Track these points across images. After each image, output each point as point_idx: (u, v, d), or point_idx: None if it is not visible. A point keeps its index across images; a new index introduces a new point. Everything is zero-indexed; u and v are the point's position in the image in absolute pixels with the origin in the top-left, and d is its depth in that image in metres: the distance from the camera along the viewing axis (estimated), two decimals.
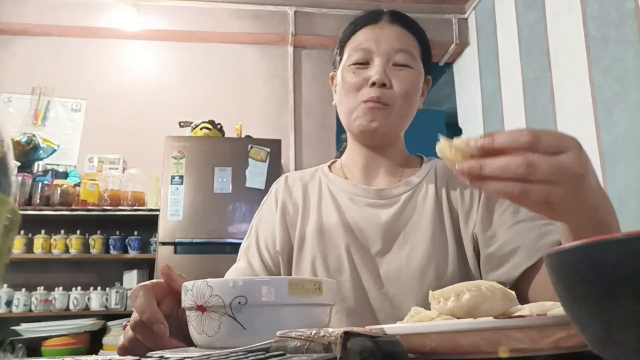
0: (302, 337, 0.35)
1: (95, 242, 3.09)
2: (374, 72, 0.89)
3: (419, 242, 0.87)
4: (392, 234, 0.90)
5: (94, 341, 2.92)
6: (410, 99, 0.92)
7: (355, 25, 0.97)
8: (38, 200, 3.06)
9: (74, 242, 3.05)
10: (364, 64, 0.92)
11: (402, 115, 0.92)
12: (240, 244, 1.02)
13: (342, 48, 0.98)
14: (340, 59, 0.98)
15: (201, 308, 0.48)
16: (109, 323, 2.92)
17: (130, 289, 3.16)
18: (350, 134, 0.98)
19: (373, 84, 0.88)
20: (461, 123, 3.89)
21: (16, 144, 3.14)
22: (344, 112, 0.94)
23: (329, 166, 1.06)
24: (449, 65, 4.04)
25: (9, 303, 2.92)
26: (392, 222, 0.90)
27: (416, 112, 0.97)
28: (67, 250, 3.05)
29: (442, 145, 0.51)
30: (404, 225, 0.90)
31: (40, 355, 2.81)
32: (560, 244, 0.79)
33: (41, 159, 3.32)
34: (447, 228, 0.89)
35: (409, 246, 0.88)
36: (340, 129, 1.06)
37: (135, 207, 3.16)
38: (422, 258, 0.85)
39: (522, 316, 0.39)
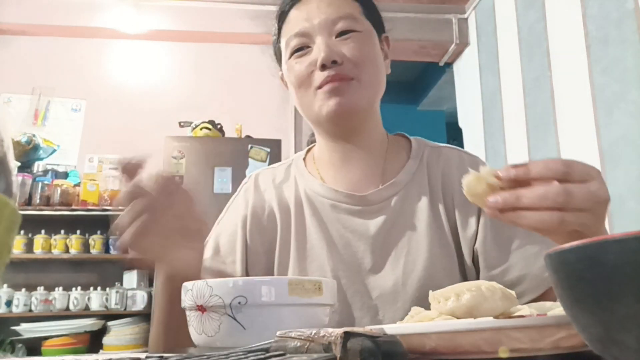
0: (302, 337, 0.35)
1: (95, 242, 3.09)
2: (318, 52, 0.75)
3: (416, 256, 0.75)
4: (383, 247, 0.77)
5: (94, 341, 2.92)
6: (371, 63, 0.78)
7: (281, 13, 0.85)
8: (38, 200, 3.06)
9: (74, 242, 3.05)
10: (305, 48, 0.78)
11: (369, 83, 0.77)
12: None
13: (279, 43, 0.86)
14: (281, 55, 0.85)
15: (201, 308, 0.48)
16: (109, 323, 2.92)
17: (131, 289, 3.13)
18: (316, 127, 0.83)
19: (323, 66, 0.74)
20: (461, 123, 3.89)
21: (16, 144, 3.14)
22: (303, 108, 0.80)
23: (305, 157, 0.90)
24: (449, 65, 4.04)
25: (9, 303, 2.92)
26: (382, 233, 0.77)
27: (385, 79, 0.83)
28: (67, 250, 3.05)
29: (471, 179, 0.49)
30: (396, 235, 0.77)
31: (40, 355, 2.81)
32: None
33: (41, 159, 3.32)
34: (447, 236, 0.77)
35: (403, 261, 0.75)
36: None
37: None
38: (421, 276, 0.74)
39: (522, 316, 0.39)
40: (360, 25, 0.78)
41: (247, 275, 0.80)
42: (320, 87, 0.75)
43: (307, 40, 0.78)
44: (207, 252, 0.82)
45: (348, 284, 0.76)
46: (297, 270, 0.78)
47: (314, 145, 0.91)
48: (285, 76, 0.85)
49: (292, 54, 0.79)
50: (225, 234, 0.84)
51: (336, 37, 0.77)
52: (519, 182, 0.48)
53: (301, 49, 0.78)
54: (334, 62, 0.74)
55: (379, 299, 0.75)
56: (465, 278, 0.76)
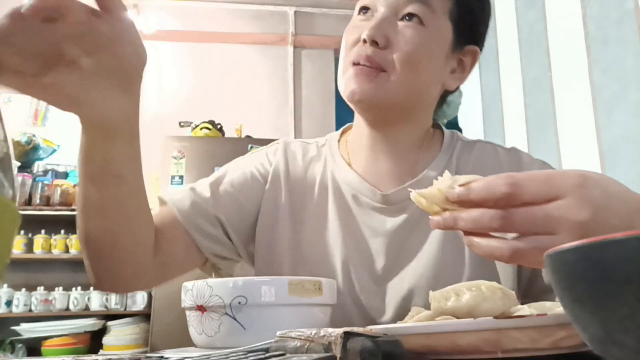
0: (302, 337, 0.35)
1: None
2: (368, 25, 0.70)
3: (427, 262, 0.71)
4: (397, 248, 0.73)
5: (94, 341, 2.92)
6: (414, 65, 0.69)
7: None
8: (38, 200, 3.06)
9: (74, 242, 3.05)
10: (368, 12, 0.73)
11: (403, 82, 0.69)
12: None
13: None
14: None
15: (201, 308, 0.48)
16: (109, 323, 2.92)
17: None
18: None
19: (364, 41, 0.69)
20: (461, 123, 3.89)
21: (16, 144, 3.14)
22: (339, 79, 0.75)
23: (339, 139, 0.84)
24: None
25: (9, 303, 2.91)
26: (399, 233, 0.73)
27: (438, 87, 0.75)
28: (67, 250, 3.05)
29: (415, 197, 0.45)
30: (414, 237, 0.73)
31: (40, 355, 2.81)
32: None
33: (41, 159, 3.32)
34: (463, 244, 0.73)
35: (414, 265, 0.72)
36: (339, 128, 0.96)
37: None
38: (430, 284, 0.69)
39: (522, 316, 0.39)
40: (432, 20, 0.70)
41: (254, 234, 0.76)
42: (352, 62, 0.70)
43: (373, 5, 0.72)
44: (210, 177, 0.77)
45: (357, 277, 0.72)
46: (308, 244, 0.74)
47: (349, 126, 0.86)
48: None
49: (359, 11, 0.74)
50: (236, 168, 0.79)
51: (401, 19, 0.70)
52: (468, 202, 0.42)
53: (365, 11, 0.73)
54: (375, 42, 0.68)
55: (387, 302, 0.71)
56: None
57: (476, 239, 0.42)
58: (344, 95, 0.71)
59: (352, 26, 0.73)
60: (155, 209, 0.68)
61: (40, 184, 3.11)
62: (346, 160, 0.80)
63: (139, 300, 2.97)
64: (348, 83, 0.70)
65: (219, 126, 3.26)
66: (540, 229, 0.40)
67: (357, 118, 0.78)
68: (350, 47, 0.71)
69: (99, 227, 0.60)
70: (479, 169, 0.75)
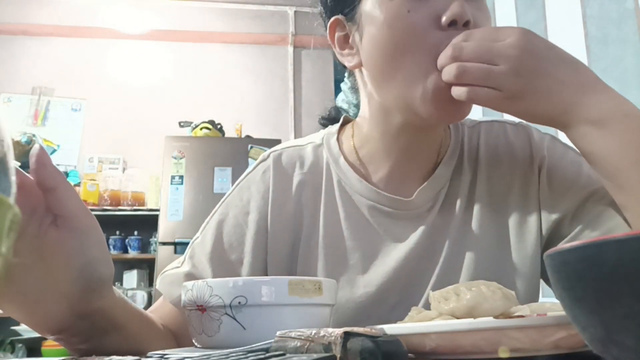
0: (302, 337, 0.35)
1: None
2: (445, 2, 0.56)
3: (449, 260, 0.67)
4: (423, 252, 0.67)
5: None
6: None
7: None
8: None
9: None
10: None
11: None
12: None
13: None
14: None
15: (201, 308, 0.48)
16: None
17: (130, 289, 3.12)
18: (393, 112, 0.64)
19: (453, 22, 0.55)
20: None
21: (16, 144, 3.14)
22: (395, 80, 0.59)
23: (338, 137, 0.73)
24: None
25: None
26: (423, 237, 0.67)
27: None
28: None
29: None
30: (434, 238, 0.67)
31: (40, 355, 2.81)
32: None
33: None
34: (475, 231, 0.68)
35: (438, 266, 0.67)
36: None
37: (135, 207, 3.16)
38: (451, 279, 0.65)
39: (522, 316, 0.39)
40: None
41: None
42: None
43: None
44: (206, 246, 0.69)
45: (389, 299, 0.66)
46: (327, 269, 0.67)
47: (348, 120, 0.76)
48: (361, 21, 0.61)
49: None
50: (231, 222, 0.70)
51: None
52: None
53: None
54: (467, 23, 0.56)
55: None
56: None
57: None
58: (434, 115, 0.59)
59: (406, 9, 0.56)
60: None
61: None
62: (355, 165, 0.70)
63: (139, 300, 2.97)
64: (444, 97, 0.56)
65: (219, 126, 3.27)
66: (485, 58, 0.52)
67: (389, 122, 0.66)
68: (419, 36, 0.56)
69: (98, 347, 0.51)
70: (491, 151, 0.71)
